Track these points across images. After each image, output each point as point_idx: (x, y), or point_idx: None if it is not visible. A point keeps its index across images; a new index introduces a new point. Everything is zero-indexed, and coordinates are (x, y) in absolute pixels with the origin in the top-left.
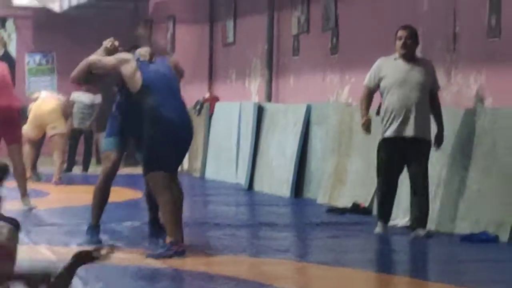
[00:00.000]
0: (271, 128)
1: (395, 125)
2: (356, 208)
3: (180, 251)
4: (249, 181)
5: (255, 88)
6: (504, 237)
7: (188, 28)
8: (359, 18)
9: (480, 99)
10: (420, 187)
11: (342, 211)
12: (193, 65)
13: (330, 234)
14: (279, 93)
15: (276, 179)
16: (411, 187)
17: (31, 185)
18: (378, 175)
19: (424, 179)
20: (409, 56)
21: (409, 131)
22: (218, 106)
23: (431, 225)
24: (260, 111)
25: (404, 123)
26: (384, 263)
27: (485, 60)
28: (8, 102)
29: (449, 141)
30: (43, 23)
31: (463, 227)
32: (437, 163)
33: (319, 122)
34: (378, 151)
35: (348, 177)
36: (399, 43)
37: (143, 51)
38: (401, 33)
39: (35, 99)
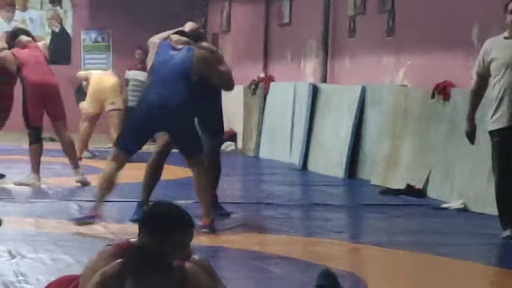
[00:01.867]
0: (325, 109)
1: (507, 114)
2: (410, 190)
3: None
4: (303, 162)
5: (310, 69)
6: None
7: (243, 7)
8: (416, 0)
9: None
10: None
11: (396, 192)
12: (248, 45)
13: (383, 215)
14: (334, 74)
15: (330, 160)
16: None
17: (85, 162)
18: (494, 173)
19: None
20: None
21: None
22: (273, 86)
23: (484, 207)
24: (315, 92)
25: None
26: (438, 245)
27: None
28: (43, 78)
29: None
30: (99, 0)
31: None
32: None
33: (374, 103)
34: (492, 146)
35: (402, 159)
36: (510, 18)
37: (176, 38)
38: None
39: (86, 79)
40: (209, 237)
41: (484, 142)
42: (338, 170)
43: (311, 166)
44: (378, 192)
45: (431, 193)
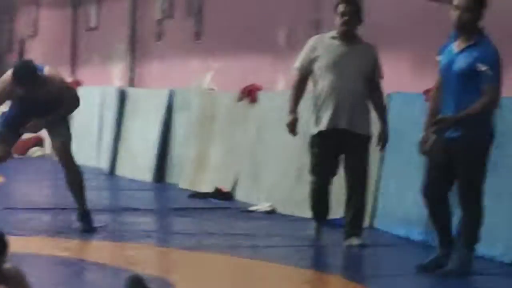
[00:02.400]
0: (133, 113)
1: (326, 117)
2: (218, 193)
3: None
4: (112, 166)
5: (117, 73)
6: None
7: (51, 12)
8: (223, 4)
9: None
10: (356, 186)
11: (204, 196)
12: (56, 49)
13: (192, 219)
14: (142, 78)
15: (138, 164)
16: (346, 186)
17: None
18: (311, 173)
19: (361, 177)
20: (348, 36)
21: (342, 123)
22: (80, 90)
23: (291, 209)
24: (122, 96)
25: (336, 113)
26: (246, 248)
27: None
28: None
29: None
30: None
31: None
32: (298, 147)
33: (182, 107)
34: (311, 146)
35: (210, 162)
36: (339, 20)
37: None
38: (342, 7)
39: None
40: (16, 244)
41: (291, 145)
42: (146, 174)
43: (120, 171)
44: (187, 196)
45: (239, 196)
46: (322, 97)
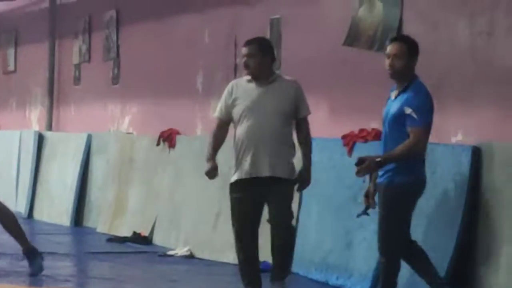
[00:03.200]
0: (51, 157)
1: (246, 164)
2: (136, 237)
3: None
4: (29, 210)
5: (35, 116)
6: None
7: None
8: (140, 49)
9: None
10: (281, 227)
11: (123, 240)
12: None
13: (110, 263)
14: (60, 122)
15: (56, 208)
16: (272, 229)
17: None
18: (233, 224)
19: (288, 222)
20: (258, 77)
21: (264, 170)
22: None
23: (209, 253)
24: (40, 140)
25: (255, 160)
26: None
27: None
28: None
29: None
30: None
31: None
32: (216, 191)
33: (100, 151)
34: (231, 192)
35: (128, 206)
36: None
37: None
38: (243, 50)
39: None
40: None
41: (209, 190)
42: (64, 218)
43: (37, 215)
44: (105, 240)
45: (158, 240)
46: (241, 143)
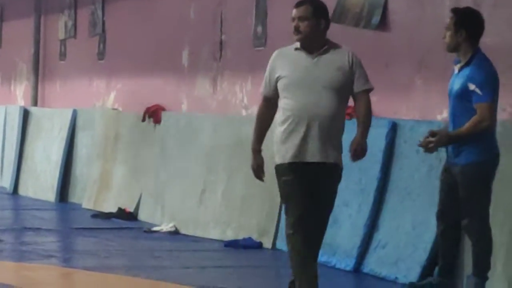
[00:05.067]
0: (36, 133)
1: (293, 145)
2: (121, 213)
3: None
4: (14, 185)
5: (21, 92)
6: (267, 244)
7: None
8: (126, 25)
9: (245, 107)
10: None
11: (108, 216)
12: None
13: (95, 239)
14: (45, 98)
15: (41, 183)
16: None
17: None
18: (287, 211)
19: (326, 216)
20: (310, 44)
21: (312, 155)
22: None
23: (194, 230)
24: (25, 115)
25: (304, 141)
26: (149, 268)
27: (250, 69)
28: None
29: (213, 147)
30: None
31: (228, 233)
32: (201, 168)
33: (85, 127)
34: (279, 185)
35: (113, 182)
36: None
37: None
38: (293, 11)
39: None
40: None
41: (195, 166)
42: (49, 194)
43: (22, 190)
44: (90, 216)
45: (143, 216)
46: (288, 122)
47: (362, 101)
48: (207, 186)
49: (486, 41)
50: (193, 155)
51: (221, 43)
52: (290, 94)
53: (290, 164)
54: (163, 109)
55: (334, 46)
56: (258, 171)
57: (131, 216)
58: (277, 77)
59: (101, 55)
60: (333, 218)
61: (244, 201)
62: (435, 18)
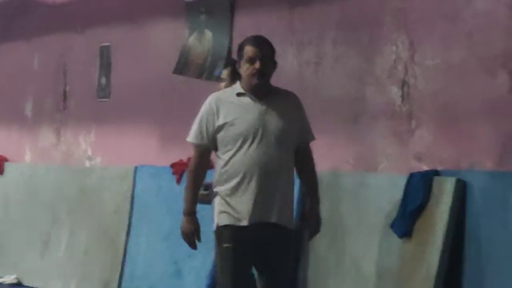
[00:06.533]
0: None
1: (247, 205)
2: None
3: None
4: None
5: None
6: None
7: None
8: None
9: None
10: None
11: None
12: None
13: None
14: None
15: None
16: None
17: None
18: (221, 282)
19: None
20: (264, 90)
21: (270, 215)
22: None
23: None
24: None
25: (261, 201)
26: None
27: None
28: None
29: (56, 198)
30: None
31: (71, 285)
32: (45, 219)
33: None
34: (219, 241)
35: None
36: (250, 69)
37: None
38: (251, 50)
39: None
40: None
41: (36, 217)
42: None
43: None
44: None
45: None
46: (238, 178)
47: (308, 154)
48: (50, 237)
49: (330, 94)
50: (36, 206)
51: (64, 93)
52: (237, 145)
53: (238, 227)
54: (7, 159)
55: (277, 89)
56: (194, 236)
57: None
58: (219, 126)
59: None
60: (177, 269)
61: (87, 253)
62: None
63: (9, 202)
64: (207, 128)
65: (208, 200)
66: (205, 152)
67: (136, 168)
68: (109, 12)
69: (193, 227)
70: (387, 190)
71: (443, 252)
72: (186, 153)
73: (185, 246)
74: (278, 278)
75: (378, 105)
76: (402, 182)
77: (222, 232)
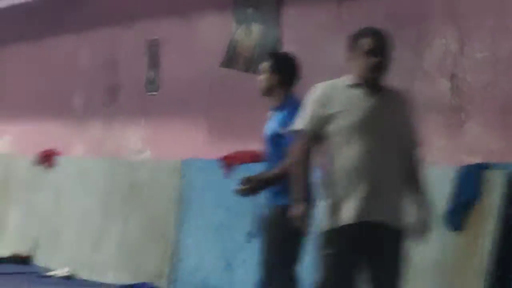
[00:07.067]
0: None
1: (354, 202)
2: (16, 258)
3: None
4: None
5: None
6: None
7: None
8: (18, 70)
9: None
10: None
11: (1, 261)
12: None
13: None
14: None
15: None
16: None
17: None
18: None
19: None
20: (377, 83)
21: (378, 214)
22: None
23: (90, 274)
24: None
25: (371, 198)
26: None
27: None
28: None
29: (108, 191)
30: None
31: (124, 277)
32: (96, 212)
33: None
34: (324, 246)
35: (7, 227)
36: (367, 61)
37: None
38: (368, 41)
39: None
40: None
41: (89, 210)
42: None
43: None
44: None
45: (39, 260)
46: (347, 173)
47: (417, 159)
48: (102, 230)
49: None
50: (88, 199)
51: (114, 87)
52: (348, 139)
53: (345, 231)
54: (57, 153)
55: (389, 86)
56: (304, 221)
57: (26, 261)
58: (329, 115)
59: None
60: (228, 262)
61: (139, 245)
62: (329, 61)
63: (61, 196)
64: (319, 116)
65: (249, 192)
66: (312, 140)
67: (185, 161)
68: (157, 6)
69: (306, 213)
70: (437, 183)
71: (495, 244)
72: (236, 146)
73: (235, 239)
74: (392, 279)
75: (427, 99)
76: (452, 175)
77: (328, 236)
